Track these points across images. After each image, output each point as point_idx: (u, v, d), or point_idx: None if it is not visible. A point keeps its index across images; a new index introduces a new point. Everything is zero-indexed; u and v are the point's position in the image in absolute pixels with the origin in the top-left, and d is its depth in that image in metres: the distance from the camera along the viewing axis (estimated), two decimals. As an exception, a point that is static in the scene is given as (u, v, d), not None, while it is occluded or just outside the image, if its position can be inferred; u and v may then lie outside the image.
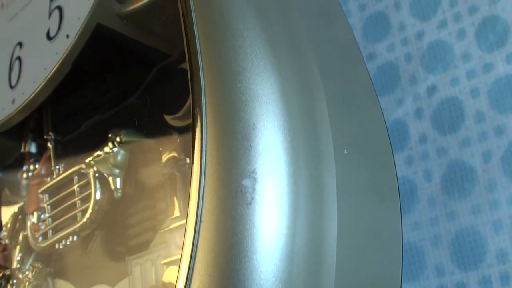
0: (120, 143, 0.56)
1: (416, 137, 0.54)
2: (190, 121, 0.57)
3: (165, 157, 0.58)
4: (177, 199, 0.56)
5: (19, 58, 0.63)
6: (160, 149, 0.58)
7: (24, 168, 0.66)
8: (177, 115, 0.58)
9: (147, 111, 0.61)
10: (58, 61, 0.57)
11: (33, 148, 0.67)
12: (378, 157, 0.52)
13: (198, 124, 0.39)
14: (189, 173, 0.40)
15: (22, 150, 0.68)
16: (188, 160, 0.57)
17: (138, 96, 0.62)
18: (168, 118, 0.59)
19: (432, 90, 0.54)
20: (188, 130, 0.59)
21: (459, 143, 0.52)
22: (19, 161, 0.69)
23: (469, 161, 0.51)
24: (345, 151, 0.42)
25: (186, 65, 0.42)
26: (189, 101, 0.57)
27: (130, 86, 0.62)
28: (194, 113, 0.39)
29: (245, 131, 0.38)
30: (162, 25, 0.58)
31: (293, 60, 0.43)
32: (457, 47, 0.54)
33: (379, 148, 0.52)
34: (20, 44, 0.63)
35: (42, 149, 0.66)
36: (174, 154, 0.57)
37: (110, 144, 0.57)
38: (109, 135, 0.57)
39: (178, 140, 0.58)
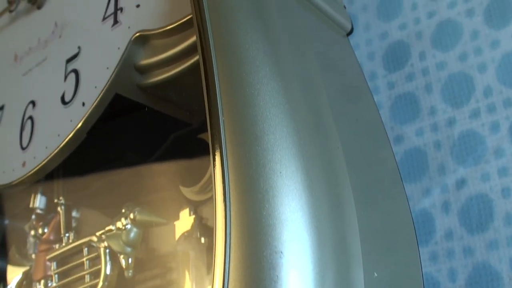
0: (133, 220, 0.55)
1: (442, 232, 0.53)
2: (206, 196, 0.56)
3: (179, 233, 0.57)
4: (190, 279, 0.55)
5: (31, 118, 0.61)
6: (175, 223, 0.57)
7: (32, 227, 0.64)
8: (193, 188, 0.57)
9: (162, 180, 0.60)
10: (73, 130, 0.56)
11: (42, 204, 0.66)
12: (403, 252, 0.51)
13: (221, 250, 0.37)
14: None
15: (30, 205, 0.66)
16: (203, 240, 0.56)
17: (154, 164, 0.60)
18: (184, 190, 0.57)
19: (461, 183, 0.53)
20: (204, 205, 0.57)
21: (486, 245, 0.50)
22: (27, 213, 0.68)
23: (496, 266, 0.50)
24: (375, 274, 0.41)
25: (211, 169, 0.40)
26: (207, 175, 0.56)
27: (145, 154, 0.60)
28: (216, 237, 0.37)
29: (271, 259, 0.36)
30: (183, 97, 0.57)
31: (323, 168, 0.42)
32: (490, 140, 0.52)
33: (404, 242, 0.51)
34: (33, 103, 0.62)
35: (51, 207, 0.65)
36: (189, 230, 0.56)
37: (123, 220, 0.55)
38: (123, 210, 0.56)
39: (194, 216, 0.57)
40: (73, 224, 0.61)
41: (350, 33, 0.54)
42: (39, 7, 0.66)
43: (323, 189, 0.40)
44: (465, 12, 0.57)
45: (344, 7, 0.54)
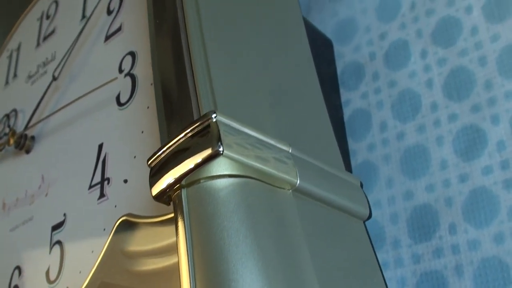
0: None
1: None
2: None
3: None
4: None
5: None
6: None
7: None
8: None
9: None
10: (57, 319, 0.51)
11: None
12: None
13: None
14: None
15: None
16: None
17: None
18: None
19: None
20: None
21: None
22: None
23: None
24: None
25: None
26: None
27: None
28: None
29: None
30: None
31: None
32: None
33: None
34: (19, 269, 0.57)
35: None
36: None
37: None
38: None
39: None
40: None
41: (368, 218, 0.47)
42: (27, 152, 0.61)
43: None
44: (502, 183, 0.50)
45: (361, 184, 0.48)
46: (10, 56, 0.71)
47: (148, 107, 0.51)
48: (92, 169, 0.53)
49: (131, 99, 0.53)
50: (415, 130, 0.56)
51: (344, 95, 0.61)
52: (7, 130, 0.64)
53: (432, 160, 0.54)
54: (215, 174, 0.39)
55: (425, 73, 0.56)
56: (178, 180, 0.40)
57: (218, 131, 0.39)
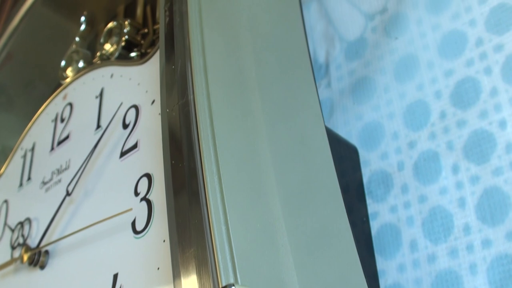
0: None
1: None
2: None
3: None
4: None
5: None
6: None
7: None
8: None
9: None
10: None
11: None
12: None
13: None
14: None
15: None
16: None
17: None
18: None
19: None
20: None
21: None
22: None
23: None
24: None
25: None
26: None
27: None
28: None
29: None
30: None
31: None
32: None
33: None
34: None
35: None
36: None
37: None
38: None
39: None
40: None
41: None
42: (41, 268, 0.60)
43: None
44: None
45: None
46: (25, 156, 0.70)
47: (164, 241, 0.49)
48: (108, 303, 0.51)
49: (147, 227, 0.51)
50: (447, 254, 0.53)
51: (371, 206, 0.58)
52: (21, 240, 0.63)
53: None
54: None
55: (457, 191, 0.54)
56: None
57: (237, 309, 0.37)
